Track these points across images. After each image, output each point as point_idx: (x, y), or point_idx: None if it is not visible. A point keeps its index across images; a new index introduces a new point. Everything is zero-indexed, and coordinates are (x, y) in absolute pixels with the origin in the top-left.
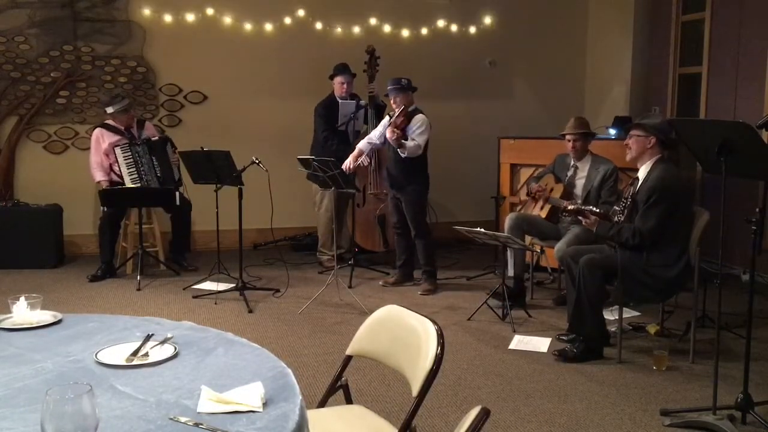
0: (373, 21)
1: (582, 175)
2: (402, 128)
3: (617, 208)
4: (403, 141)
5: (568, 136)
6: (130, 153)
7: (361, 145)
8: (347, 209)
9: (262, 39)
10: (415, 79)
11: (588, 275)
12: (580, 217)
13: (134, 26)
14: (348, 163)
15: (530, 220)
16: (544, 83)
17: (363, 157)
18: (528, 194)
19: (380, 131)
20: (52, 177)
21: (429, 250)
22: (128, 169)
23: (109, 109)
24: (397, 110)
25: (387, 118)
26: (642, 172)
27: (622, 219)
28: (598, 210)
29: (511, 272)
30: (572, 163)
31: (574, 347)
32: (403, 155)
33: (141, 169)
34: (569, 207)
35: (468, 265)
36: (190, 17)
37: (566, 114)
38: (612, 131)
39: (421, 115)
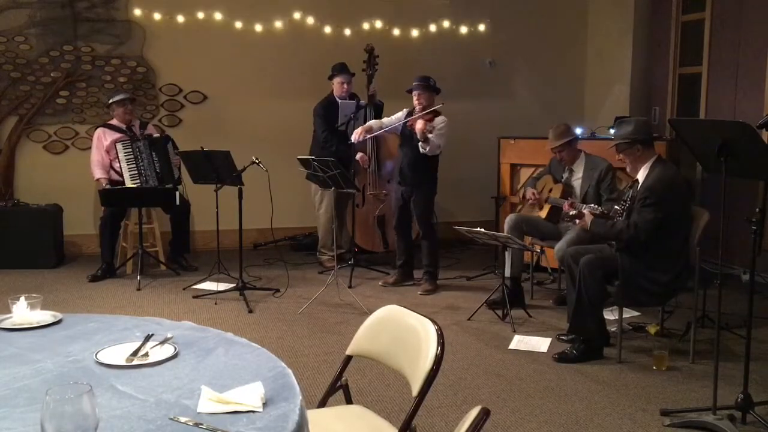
0: (372, 21)
1: (578, 177)
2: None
3: (617, 207)
4: (428, 136)
5: (553, 149)
6: (131, 149)
7: (373, 122)
8: (347, 209)
9: (262, 39)
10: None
11: (588, 275)
12: (571, 217)
13: (134, 26)
14: (358, 132)
15: (530, 221)
16: (544, 83)
17: (363, 156)
18: (525, 198)
19: (393, 122)
20: (52, 177)
21: (433, 251)
22: (128, 165)
23: (110, 100)
24: (418, 107)
25: (405, 112)
26: (641, 175)
27: (622, 219)
28: (600, 208)
29: (508, 273)
30: (567, 165)
31: (574, 349)
32: (423, 150)
33: (140, 164)
34: (570, 213)
35: (468, 265)
36: (190, 17)
37: (566, 114)
38: (612, 131)
39: (443, 117)
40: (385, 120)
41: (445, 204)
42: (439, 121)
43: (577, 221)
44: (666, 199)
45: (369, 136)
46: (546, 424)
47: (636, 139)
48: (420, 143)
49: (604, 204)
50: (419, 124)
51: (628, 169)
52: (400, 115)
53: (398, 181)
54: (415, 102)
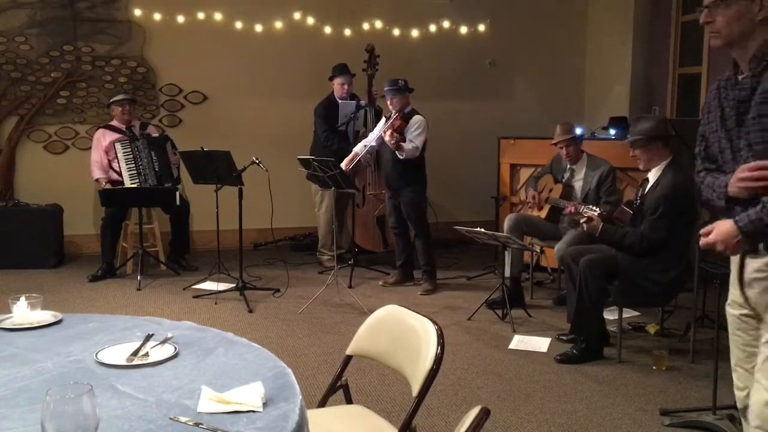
0: (373, 21)
1: (579, 177)
2: (400, 131)
3: (627, 209)
4: (401, 144)
5: (558, 144)
6: (129, 149)
7: (357, 148)
8: (347, 209)
9: (263, 39)
10: (415, 79)
11: (588, 275)
12: (582, 222)
13: (134, 26)
14: (345, 164)
15: (530, 221)
16: (544, 83)
17: (363, 156)
18: (525, 199)
19: (376, 134)
20: (52, 177)
21: (429, 250)
22: (127, 165)
23: (111, 100)
24: (394, 113)
25: (384, 120)
26: (652, 176)
27: (631, 230)
28: (600, 210)
29: (508, 273)
30: (568, 165)
31: (574, 349)
32: (401, 157)
33: (139, 164)
34: (580, 219)
35: (468, 265)
36: (190, 17)
37: (566, 114)
38: (612, 131)
39: (418, 116)
40: (370, 137)
41: (445, 204)
42: (414, 122)
43: (585, 226)
44: (677, 206)
45: (362, 159)
46: (546, 424)
47: (657, 135)
48: (396, 152)
49: (603, 206)
50: (387, 136)
51: (641, 167)
52: (381, 125)
53: (386, 185)
54: (390, 107)
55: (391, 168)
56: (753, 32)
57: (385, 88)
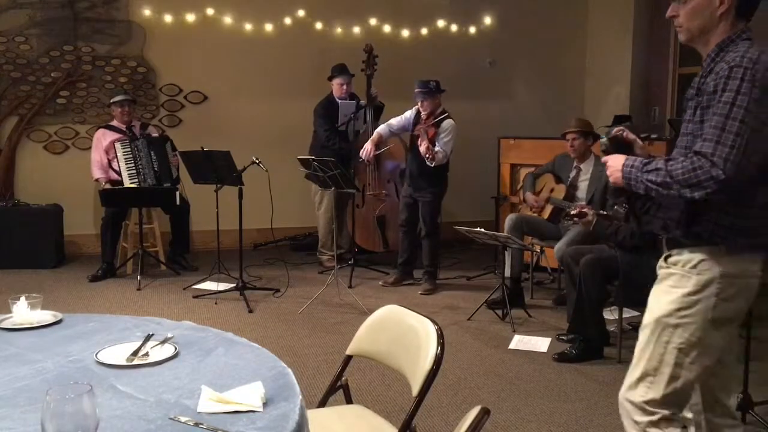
0: (372, 21)
1: (585, 177)
2: (433, 141)
3: (619, 209)
4: (435, 154)
5: (568, 135)
6: (129, 149)
7: (381, 129)
8: (347, 209)
9: (262, 39)
10: (415, 79)
11: (588, 275)
12: (573, 213)
13: (134, 26)
14: (368, 149)
15: (530, 221)
16: (544, 83)
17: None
18: (524, 201)
19: (402, 123)
20: (52, 177)
21: (435, 251)
22: (126, 164)
23: (112, 100)
24: (424, 115)
25: (413, 111)
26: None
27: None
28: (604, 213)
29: (508, 273)
30: (575, 164)
31: (574, 349)
32: (431, 165)
33: (139, 164)
34: (572, 212)
35: (468, 265)
36: (190, 17)
37: (566, 114)
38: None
39: (449, 120)
40: (394, 121)
41: (445, 204)
42: (445, 127)
43: (579, 221)
44: None
45: (381, 149)
46: (546, 424)
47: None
48: (426, 160)
49: (608, 209)
50: (423, 149)
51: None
52: (409, 115)
53: (408, 182)
54: (420, 109)
55: (416, 168)
56: (715, 27)
57: (416, 90)
